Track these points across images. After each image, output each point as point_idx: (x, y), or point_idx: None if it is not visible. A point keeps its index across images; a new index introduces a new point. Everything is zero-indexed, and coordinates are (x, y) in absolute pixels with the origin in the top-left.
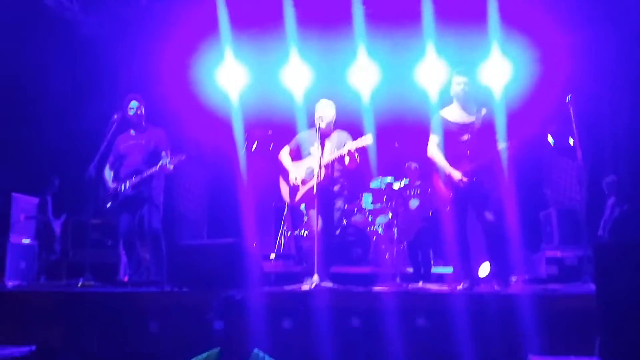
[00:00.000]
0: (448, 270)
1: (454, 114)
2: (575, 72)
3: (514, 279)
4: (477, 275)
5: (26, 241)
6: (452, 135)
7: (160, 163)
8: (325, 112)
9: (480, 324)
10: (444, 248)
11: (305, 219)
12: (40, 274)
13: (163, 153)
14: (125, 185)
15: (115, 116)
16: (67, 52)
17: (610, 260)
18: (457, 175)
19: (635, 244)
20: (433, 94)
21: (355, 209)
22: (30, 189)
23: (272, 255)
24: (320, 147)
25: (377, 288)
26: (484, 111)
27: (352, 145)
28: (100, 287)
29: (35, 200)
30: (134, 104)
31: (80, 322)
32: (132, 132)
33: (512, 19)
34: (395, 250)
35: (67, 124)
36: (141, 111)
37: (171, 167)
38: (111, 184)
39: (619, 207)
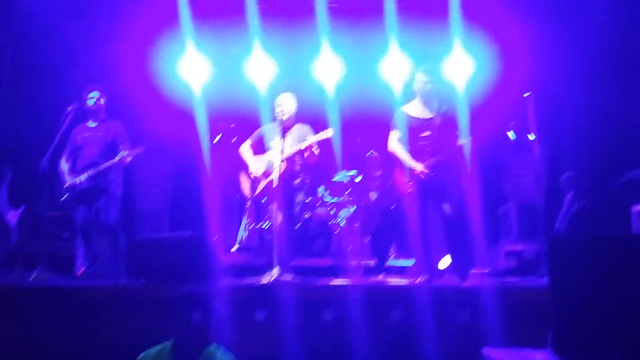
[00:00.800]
0: (409, 263)
1: (416, 109)
2: (536, 67)
3: (473, 271)
4: (438, 268)
5: None
6: (413, 130)
7: (118, 156)
8: (286, 105)
9: (436, 316)
10: (405, 241)
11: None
12: None
13: (121, 146)
14: (81, 178)
15: (70, 107)
16: (20, 39)
17: (564, 254)
18: (418, 167)
19: (589, 237)
20: (397, 89)
21: (318, 202)
22: None
23: (234, 248)
24: (281, 140)
25: (336, 281)
26: (445, 107)
27: (313, 138)
28: (54, 279)
29: None
30: (94, 94)
31: (32, 317)
32: (89, 123)
33: (473, 14)
34: (357, 243)
35: (20, 115)
36: (101, 102)
37: (129, 159)
38: (67, 178)
39: (576, 202)
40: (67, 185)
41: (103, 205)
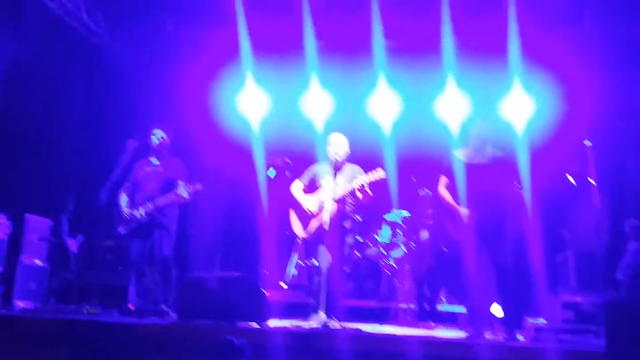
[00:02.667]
0: (460, 309)
1: (469, 155)
2: (601, 110)
3: (528, 321)
4: (488, 318)
5: (38, 262)
6: (464, 176)
7: (176, 192)
8: (339, 145)
9: None
10: (457, 286)
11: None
12: (50, 295)
13: (180, 182)
14: (139, 212)
15: (131, 142)
16: (90, 75)
17: (621, 320)
18: (465, 212)
19: None
20: (453, 128)
21: (370, 242)
22: (44, 210)
23: (284, 285)
24: (333, 180)
25: (384, 328)
26: (499, 153)
27: (364, 179)
28: (105, 314)
29: (48, 221)
30: (159, 132)
31: (82, 352)
32: (151, 159)
33: (534, 54)
34: (407, 285)
35: (85, 147)
36: (164, 141)
37: (187, 196)
38: (125, 210)
39: None
40: (124, 217)
41: (157, 239)
